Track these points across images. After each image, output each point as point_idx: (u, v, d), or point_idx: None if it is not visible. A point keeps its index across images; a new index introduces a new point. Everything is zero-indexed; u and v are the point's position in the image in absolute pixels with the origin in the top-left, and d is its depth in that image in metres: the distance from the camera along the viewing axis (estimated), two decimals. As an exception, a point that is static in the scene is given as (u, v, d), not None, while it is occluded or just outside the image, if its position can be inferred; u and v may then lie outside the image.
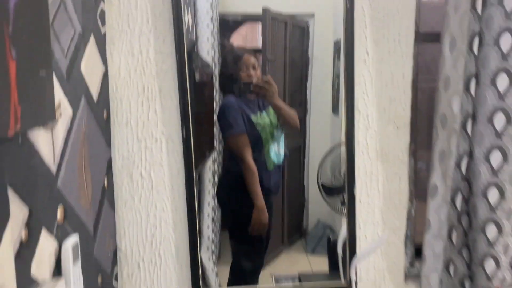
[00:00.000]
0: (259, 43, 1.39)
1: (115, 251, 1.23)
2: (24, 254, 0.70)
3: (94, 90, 1.09)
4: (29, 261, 0.72)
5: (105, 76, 1.16)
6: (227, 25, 1.42)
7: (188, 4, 1.37)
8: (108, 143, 1.19)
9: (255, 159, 1.30)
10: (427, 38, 1.26)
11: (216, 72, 1.38)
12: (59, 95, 0.86)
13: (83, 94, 1.00)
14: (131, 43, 1.17)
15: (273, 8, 1.35)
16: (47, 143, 0.80)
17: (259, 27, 1.38)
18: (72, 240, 0.85)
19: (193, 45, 1.43)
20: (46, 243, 0.78)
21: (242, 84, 1.28)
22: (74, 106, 0.95)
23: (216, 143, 1.38)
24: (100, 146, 1.13)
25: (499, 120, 1.12)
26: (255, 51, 1.36)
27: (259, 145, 1.30)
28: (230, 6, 1.40)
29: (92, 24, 1.08)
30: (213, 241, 1.44)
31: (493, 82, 1.11)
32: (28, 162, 0.72)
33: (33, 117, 0.73)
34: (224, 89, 1.33)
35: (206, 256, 1.40)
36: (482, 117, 1.13)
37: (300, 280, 1.37)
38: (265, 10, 1.34)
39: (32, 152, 0.74)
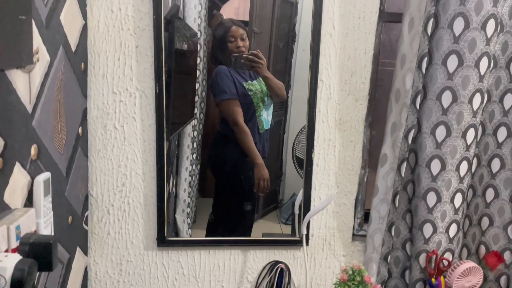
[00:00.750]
0: (250, 16, 1.42)
1: (86, 196, 1.32)
2: (-2, 180, 0.78)
3: (73, 41, 1.15)
4: (2, 188, 0.80)
5: (84, 29, 1.22)
6: None
7: None
8: (84, 94, 1.26)
9: (248, 122, 1.39)
10: (392, 18, 1.34)
11: (201, 40, 1.41)
12: (38, 41, 0.93)
13: (61, 43, 1.06)
14: (111, -1, 1.22)
15: None
16: (24, 84, 0.87)
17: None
18: (44, 175, 0.94)
19: (177, 10, 1.46)
20: (19, 175, 0.86)
21: (232, 57, 1.34)
22: (52, 53, 1.01)
23: (196, 111, 1.43)
24: (76, 95, 1.20)
25: (446, 98, 1.23)
26: (243, 23, 1.39)
27: (251, 109, 1.39)
28: None
29: (73, -22, 1.13)
30: (188, 205, 1.49)
31: (444, 63, 1.21)
32: (5, 98, 0.79)
33: (11, 58, 0.79)
34: (215, 59, 1.38)
35: (181, 218, 1.47)
36: (431, 94, 1.24)
37: (262, 236, 1.48)
38: None
39: (9, 89, 0.81)
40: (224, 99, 1.38)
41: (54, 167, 1.05)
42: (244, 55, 1.33)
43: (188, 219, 1.51)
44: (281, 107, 1.47)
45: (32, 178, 0.92)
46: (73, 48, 1.15)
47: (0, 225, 0.74)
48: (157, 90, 1.26)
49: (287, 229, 1.48)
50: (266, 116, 1.41)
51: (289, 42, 1.44)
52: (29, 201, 0.91)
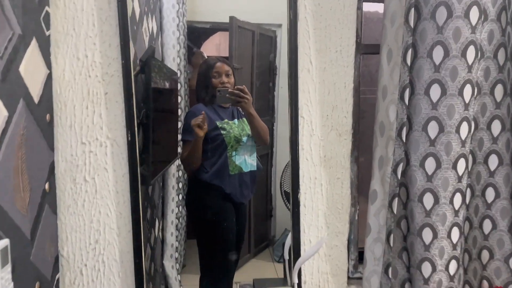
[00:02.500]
0: (231, 52, 1.41)
1: (57, 257, 1.21)
2: None
3: (35, 92, 1.08)
4: (-52, 263, 0.71)
5: (49, 78, 1.15)
6: (198, 33, 1.44)
7: (153, 11, 1.38)
8: (51, 147, 1.18)
9: (215, 163, 1.32)
10: (369, 49, 1.31)
11: (182, 79, 1.40)
12: (-8, 96, 0.86)
13: (21, 96, 0.99)
14: (77, 46, 1.17)
15: (241, 18, 1.37)
16: (-26, 144, 0.79)
17: (231, 36, 1.41)
18: (1, 244, 0.84)
19: (153, 51, 1.43)
20: (-30, 246, 0.77)
21: (217, 91, 1.29)
22: (10, 108, 0.94)
23: (180, 150, 1.39)
24: (41, 149, 1.12)
25: (433, 128, 1.18)
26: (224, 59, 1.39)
27: (221, 149, 1.32)
28: (198, 15, 1.43)
29: (35, 26, 1.07)
30: (177, 249, 1.44)
31: (427, 92, 1.17)
32: (-51, 162, 0.71)
33: (-43, 117, 0.72)
34: (198, 97, 1.36)
35: (169, 264, 1.41)
36: (417, 125, 1.19)
37: (254, 286, 1.38)
38: (231, 18, 1.36)
39: (-46, 152, 0.73)
40: (184, 139, 1.34)
41: (16, 231, 0.95)
42: (229, 89, 1.28)
43: (177, 264, 1.44)
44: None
45: (-12, 247, 0.82)
46: (36, 99, 1.08)
47: None
48: (129, 138, 1.19)
49: (281, 268, 1.42)
50: (247, 159, 1.35)
51: (270, 76, 1.45)
52: (-16, 273, 0.81)
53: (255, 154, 1.38)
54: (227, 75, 1.33)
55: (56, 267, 1.20)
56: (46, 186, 1.14)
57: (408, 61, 1.15)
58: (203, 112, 1.28)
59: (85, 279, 1.23)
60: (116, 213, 1.22)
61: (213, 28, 1.46)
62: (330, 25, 1.24)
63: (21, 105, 0.98)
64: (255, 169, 1.37)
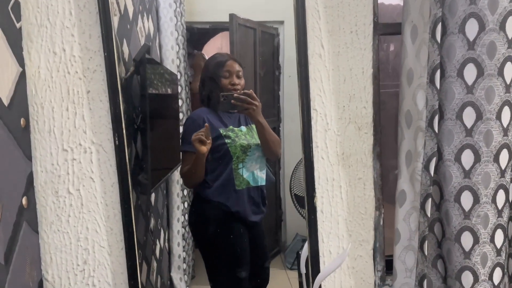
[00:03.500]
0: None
1: (40, 281, 1.06)
2: None
3: (5, 94, 0.93)
4: None
5: (22, 77, 1.01)
6: (198, 34, 1.38)
7: (149, 11, 1.29)
8: (28, 156, 1.03)
9: (219, 176, 1.16)
10: (388, 29, 1.15)
11: (182, 82, 1.30)
12: None
13: (-14, 97, 0.85)
14: (52, 39, 1.02)
15: (241, 15, 1.30)
16: None
17: (234, 37, 1.36)
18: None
19: (147, 49, 1.32)
20: None
21: (221, 95, 1.14)
22: (-30, 111, 0.79)
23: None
24: (15, 158, 0.97)
25: (469, 116, 1.01)
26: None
27: (226, 160, 1.17)
28: (197, 15, 1.36)
29: (2, 18, 0.93)
30: (184, 260, 1.35)
31: (460, 74, 1.00)
32: None
33: None
34: (202, 100, 1.22)
35: (177, 276, 1.32)
36: (449, 113, 1.02)
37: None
38: (231, 16, 1.27)
39: None
40: (183, 150, 1.20)
41: (-18, 256, 0.80)
42: (235, 94, 1.12)
43: (185, 275, 1.38)
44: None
45: None
46: (6, 102, 0.93)
47: None
48: (117, 142, 1.03)
49: (294, 275, 1.31)
50: (255, 171, 1.18)
51: (274, 75, 1.37)
52: None
53: (265, 166, 1.22)
54: (238, 76, 1.18)
55: (39, 294, 1.05)
56: (24, 201, 0.99)
57: (438, 38, 0.99)
58: (206, 124, 1.12)
59: (74, 305, 1.08)
60: (106, 228, 1.07)
61: (213, 28, 1.41)
62: (343, 2, 1.08)
63: (-15, 108, 0.84)
64: (264, 183, 1.21)
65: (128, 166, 1.04)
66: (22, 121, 1.01)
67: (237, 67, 1.19)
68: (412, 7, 1.04)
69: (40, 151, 1.04)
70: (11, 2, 0.98)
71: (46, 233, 1.06)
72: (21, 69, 1.01)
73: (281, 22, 1.35)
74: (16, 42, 1.00)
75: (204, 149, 1.11)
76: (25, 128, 1.02)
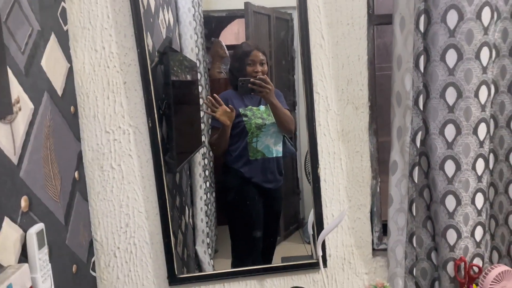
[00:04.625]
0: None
1: (90, 241, 1.28)
2: (-15, 239, 0.74)
3: (58, 85, 1.12)
4: (-9, 246, 0.76)
5: (70, 72, 1.20)
6: (215, 22, 1.43)
7: (169, 3, 1.37)
8: (77, 137, 1.23)
9: (237, 148, 1.35)
10: (382, 20, 1.30)
11: (201, 69, 1.41)
12: (18, 90, 0.90)
13: (45, 89, 1.04)
14: (94, 39, 1.21)
15: (256, 3, 1.36)
16: (5, 135, 0.84)
17: (248, 23, 1.40)
18: (37, 227, 0.89)
19: (170, 41, 1.45)
20: (9, 231, 0.82)
21: (239, 81, 1.31)
22: (36, 101, 0.98)
23: (204, 139, 1.41)
24: (68, 140, 1.17)
25: (451, 94, 1.16)
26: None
27: (243, 135, 1.35)
28: (214, 3, 1.42)
29: (52, 22, 1.12)
30: (208, 235, 1.47)
31: (443, 58, 1.15)
32: (-16, 152, 0.76)
33: (-13, 110, 0.77)
34: (231, 84, 1.37)
35: (202, 249, 1.44)
36: (434, 92, 1.17)
37: (282, 262, 1.41)
38: (246, 4, 1.36)
39: (-12, 143, 0.78)
40: (212, 126, 1.37)
41: (50, 216, 1.01)
42: (251, 79, 1.29)
43: (209, 249, 1.48)
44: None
45: (25, 231, 0.88)
46: (60, 92, 1.13)
47: (-12, 287, 0.70)
48: (150, 124, 1.23)
49: (310, 253, 1.42)
50: (270, 144, 1.36)
51: (288, 59, 1.43)
52: (24, 256, 0.87)
53: (281, 140, 1.39)
54: (261, 64, 1.33)
55: (90, 251, 1.27)
56: (76, 174, 1.20)
57: (422, 28, 1.14)
58: (230, 106, 1.31)
59: (119, 261, 1.30)
60: (143, 197, 1.27)
61: (230, 16, 1.44)
62: (339, -3, 1.24)
63: (45, 98, 1.03)
64: (281, 155, 1.39)
65: (160, 145, 1.24)
66: (72, 108, 1.21)
67: (260, 55, 1.34)
68: (400, 0, 1.18)
69: (87, 133, 1.24)
70: (59, 9, 1.17)
71: (94, 201, 1.27)
72: (69, 65, 1.20)
73: (295, 8, 1.35)
74: (65, 43, 1.19)
75: (227, 121, 1.30)
76: (74, 114, 1.22)
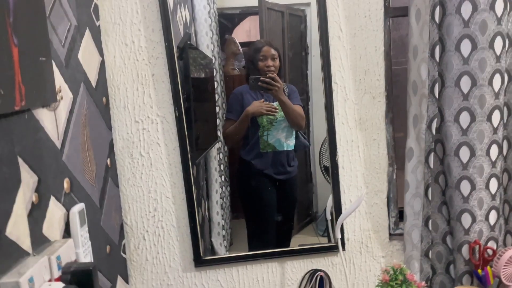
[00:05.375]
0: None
1: (121, 225, 1.36)
2: (35, 214, 0.82)
3: (92, 77, 1.20)
4: (40, 221, 0.84)
5: (102, 65, 1.28)
6: (229, 19, 1.46)
7: (185, 1, 1.40)
8: (109, 126, 1.31)
9: (250, 141, 1.41)
10: (398, 12, 1.34)
11: (216, 65, 1.45)
12: (59, 80, 0.98)
13: (82, 81, 1.12)
14: (124, 34, 1.28)
15: (270, 0, 1.39)
16: (51, 121, 0.92)
17: (261, 20, 1.43)
18: (78, 206, 0.97)
19: (189, 37, 1.50)
20: (55, 209, 0.90)
21: (250, 79, 1.37)
22: (74, 91, 1.06)
23: (220, 134, 1.47)
24: (101, 128, 1.25)
25: (465, 83, 1.21)
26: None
27: (255, 128, 1.42)
28: (228, 1, 1.46)
29: (87, 18, 1.19)
30: (223, 227, 1.52)
31: (458, 48, 1.19)
32: (34, 136, 0.84)
33: (36, 97, 0.84)
34: (247, 78, 1.41)
35: (217, 241, 1.50)
36: (449, 81, 1.22)
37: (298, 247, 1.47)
38: (260, 1, 1.40)
39: (37, 127, 0.85)
40: (226, 118, 1.44)
41: (87, 198, 1.09)
42: (261, 78, 1.35)
43: (225, 241, 1.53)
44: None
45: (68, 210, 0.95)
46: (94, 84, 1.20)
47: (42, 257, 0.77)
48: (177, 114, 1.30)
49: (325, 241, 1.47)
50: (279, 138, 1.42)
51: (301, 55, 1.46)
52: (67, 233, 0.95)
53: (292, 135, 1.44)
54: (273, 59, 1.38)
55: (121, 234, 1.34)
56: (108, 161, 1.28)
57: (437, 19, 1.18)
58: (262, 100, 1.39)
59: (148, 243, 1.37)
60: (171, 183, 1.35)
61: (243, 13, 1.47)
62: (357, -9, 1.29)
63: (82, 89, 1.11)
64: (292, 148, 1.44)
65: (186, 133, 1.31)
66: (103, 99, 1.28)
67: (272, 51, 1.38)
68: (416, -7, 1.23)
69: (117, 122, 1.32)
70: (92, 6, 1.24)
71: (125, 187, 1.35)
72: (101, 58, 1.28)
73: (308, 4, 1.40)
74: (97, 37, 1.26)
75: (250, 110, 1.38)
76: (106, 105, 1.30)
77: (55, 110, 0.94)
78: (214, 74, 1.46)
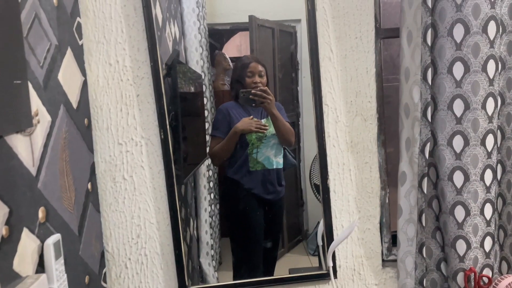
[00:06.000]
0: (251, 52, 1.43)
1: (102, 252, 1.29)
2: (5, 249, 0.75)
3: (73, 98, 1.15)
4: (10, 256, 0.77)
5: (85, 85, 1.23)
6: (219, 35, 1.46)
7: (175, 17, 1.40)
8: (90, 149, 1.25)
9: (238, 158, 1.37)
10: (389, 34, 1.32)
11: (206, 81, 1.43)
12: (37, 103, 0.93)
13: (62, 102, 1.07)
14: (108, 53, 1.23)
15: (260, 16, 1.39)
16: (25, 147, 0.86)
17: (251, 36, 1.42)
18: (54, 238, 0.91)
19: (177, 54, 1.48)
20: (27, 241, 0.84)
21: (241, 92, 1.34)
22: (53, 113, 1.01)
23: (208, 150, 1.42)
24: (82, 151, 1.19)
25: (458, 106, 1.18)
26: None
27: (244, 146, 1.37)
28: (218, 17, 1.44)
29: (69, 36, 1.15)
30: (212, 247, 1.48)
31: (450, 71, 1.17)
32: (6, 164, 0.78)
33: (10, 123, 0.79)
34: (232, 96, 1.40)
35: (206, 261, 1.45)
36: (442, 104, 1.19)
37: (289, 273, 1.42)
38: (251, 18, 1.39)
39: (10, 154, 0.80)
40: (212, 135, 1.40)
41: (65, 227, 1.02)
42: (252, 91, 1.32)
43: (213, 261, 1.48)
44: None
45: (42, 242, 0.89)
46: (75, 105, 1.15)
47: (10, 297, 0.71)
48: (162, 136, 1.25)
49: (316, 261, 1.43)
50: (269, 155, 1.38)
51: (292, 71, 1.45)
52: (40, 266, 0.89)
53: (281, 152, 1.41)
54: (260, 75, 1.36)
55: (102, 262, 1.27)
56: (89, 186, 1.22)
57: (429, 41, 1.16)
58: (251, 116, 1.35)
59: (130, 272, 1.30)
60: (155, 208, 1.29)
61: (234, 29, 1.47)
62: (348, 12, 1.27)
63: (62, 111, 1.06)
64: (281, 166, 1.40)
65: (172, 156, 1.26)
66: (85, 120, 1.23)
67: (259, 67, 1.36)
68: (407, 15, 1.21)
69: (100, 145, 1.26)
70: (75, 24, 1.20)
71: (106, 212, 1.28)
72: (83, 78, 1.23)
73: (298, 21, 1.39)
74: (80, 57, 1.21)
75: (239, 127, 1.33)
76: (88, 127, 1.25)
77: (30, 135, 0.88)
78: (204, 90, 1.44)
